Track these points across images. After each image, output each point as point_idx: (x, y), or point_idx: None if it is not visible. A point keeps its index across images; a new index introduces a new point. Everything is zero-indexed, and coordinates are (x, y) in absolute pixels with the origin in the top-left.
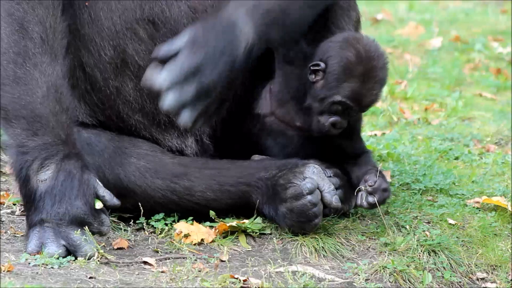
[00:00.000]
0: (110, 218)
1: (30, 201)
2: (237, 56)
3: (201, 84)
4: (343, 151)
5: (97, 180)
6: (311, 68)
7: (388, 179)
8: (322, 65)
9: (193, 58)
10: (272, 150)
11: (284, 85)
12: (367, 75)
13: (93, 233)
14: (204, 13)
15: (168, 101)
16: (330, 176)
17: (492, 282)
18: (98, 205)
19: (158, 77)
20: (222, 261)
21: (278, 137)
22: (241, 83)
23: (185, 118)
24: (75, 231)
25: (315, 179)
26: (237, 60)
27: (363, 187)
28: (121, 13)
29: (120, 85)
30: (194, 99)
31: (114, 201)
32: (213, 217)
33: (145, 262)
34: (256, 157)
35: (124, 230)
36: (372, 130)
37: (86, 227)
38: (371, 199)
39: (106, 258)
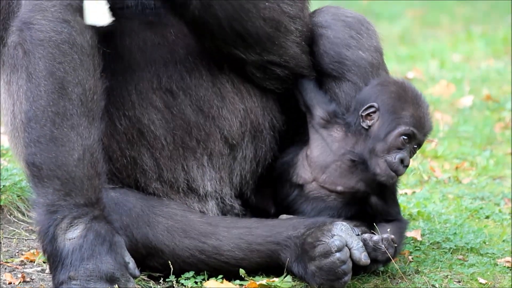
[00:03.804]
0: (141, 276)
1: (57, 259)
2: None
3: None
4: (379, 213)
5: (124, 246)
6: (363, 114)
7: (419, 238)
8: (376, 104)
9: None
10: (308, 215)
11: (324, 149)
12: (417, 100)
13: None
14: (225, 75)
15: None
16: (359, 234)
17: None
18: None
19: None
20: None
21: (316, 203)
22: (270, 148)
23: None
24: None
25: (344, 237)
26: None
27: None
28: (136, 83)
29: (136, 155)
30: None
31: (136, 272)
32: (243, 276)
33: None
34: (283, 216)
35: None
36: (402, 189)
37: (115, 283)
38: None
39: None
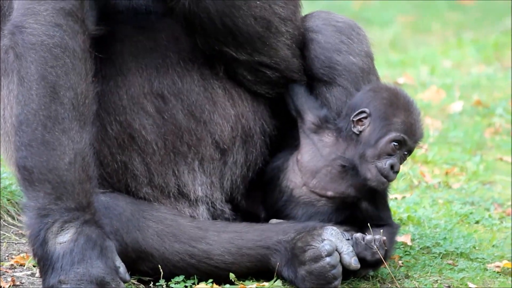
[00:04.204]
0: (131, 280)
1: (47, 263)
2: None
3: None
4: (369, 218)
5: (115, 250)
6: (354, 119)
7: (409, 242)
8: (367, 110)
9: None
10: (299, 220)
11: (314, 154)
12: (409, 106)
13: None
14: (216, 79)
15: None
16: (349, 239)
17: None
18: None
19: None
20: None
21: (307, 208)
22: (260, 153)
23: None
24: None
25: (334, 241)
26: None
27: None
28: (127, 88)
29: (127, 159)
30: None
31: (126, 276)
32: (233, 280)
33: None
34: (274, 221)
35: None
36: (392, 194)
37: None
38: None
39: None
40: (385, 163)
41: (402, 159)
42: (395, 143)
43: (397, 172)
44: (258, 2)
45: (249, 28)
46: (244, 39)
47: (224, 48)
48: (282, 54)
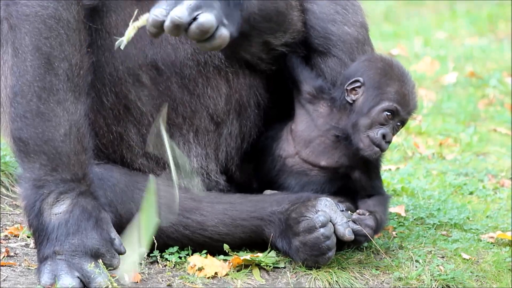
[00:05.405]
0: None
1: (42, 234)
2: None
3: None
4: (362, 188)
5: (111, 222)
6: (348, 88)
7: (403, 213)
8: (361, 79)
9: None
10: (292, 190)
11: (308, 124)
12: (403, 77)
13: (104, 265)
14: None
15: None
16: (343, 210)
17: None
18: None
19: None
20: None
21: (300, 178)
22: (254, 125)
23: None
24: (89, 263)
25: (328, 212)
26: None
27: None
28: (123, 59)
29: (123, 130)
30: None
31: (122, 248)
32: (227, 251)
33: None
34: (268, 191)
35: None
36: (386, 165)
37: (100, 259)
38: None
39: None
40: (377, 133)
41: (395, 130)
42: (388, 113)
43: (389, 142)
44: None
45: (279, 9)
46: (276, 23)
47: (265, 38)
48: (298, 28)
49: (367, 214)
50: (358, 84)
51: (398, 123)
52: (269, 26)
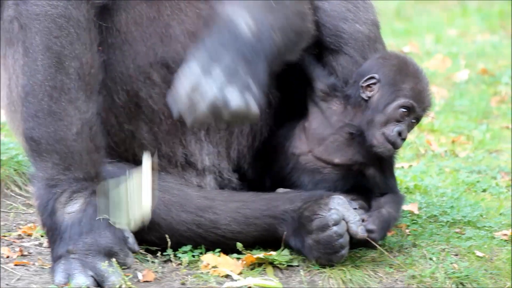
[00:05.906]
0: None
1: (56, 233)
2: (239, 33)
3: (223, 65)
4: (375, 186)
5: None
6: (363, 85)
7: (416, 211)
8: (377, 76)
9: (199, 60)
10: (305, 188)
11: (322, 121)
12: (418, 74)
13: (118, 264)
14: None
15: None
16: (356, 208)
17: None
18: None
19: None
20: None
21: (313, 175)
22: (266, 124)
23: (234, 98)
24: (103, 262)
25: (341, 210)
26: (241, 37)
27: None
28: (133, 57)
29: (134, 129)
30: (226, 78)
31: (135, 247)
32: (240, 249)
33: None
34: (280, 190)
35: (152, 262)
36: (399, 162)
37: (113, 258)
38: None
39: None
40: (393, 130)
41: (410, 127)
42: (404, 109)
43: (404, 139)
44: None
45: (297, 26)
46: (296, 44)
47: (284, 58)
48: (311, 31)
49: (375, 213)
50: (373, 81)
51: (413, 120)
52: (291, 49)
